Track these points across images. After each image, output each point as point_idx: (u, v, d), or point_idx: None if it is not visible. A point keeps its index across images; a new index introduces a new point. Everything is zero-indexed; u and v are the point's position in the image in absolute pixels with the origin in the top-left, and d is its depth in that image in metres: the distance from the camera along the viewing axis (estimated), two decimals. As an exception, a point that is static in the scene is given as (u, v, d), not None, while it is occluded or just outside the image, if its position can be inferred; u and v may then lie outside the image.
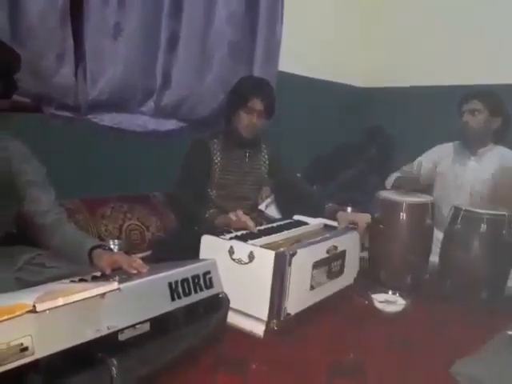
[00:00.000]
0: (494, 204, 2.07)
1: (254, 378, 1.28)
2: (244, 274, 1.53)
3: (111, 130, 2.16)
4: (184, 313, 1.26)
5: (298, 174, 2.61)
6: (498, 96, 2.28)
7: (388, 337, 1.56)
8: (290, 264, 1.50)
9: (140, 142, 2.27)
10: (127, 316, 1.10)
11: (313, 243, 1.68)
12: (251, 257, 1.52)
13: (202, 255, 1.61)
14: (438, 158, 2.45)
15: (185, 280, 1.28)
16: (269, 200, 2.41)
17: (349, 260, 1.86)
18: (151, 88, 2.29)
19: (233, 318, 1.48)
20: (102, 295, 1.05)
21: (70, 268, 1.37)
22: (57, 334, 0.96)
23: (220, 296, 1.40)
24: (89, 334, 1.01)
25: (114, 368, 1.02)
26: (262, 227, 1.88)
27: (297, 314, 1.58)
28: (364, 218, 1.98)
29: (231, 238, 1.64)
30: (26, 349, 0.89)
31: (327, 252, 1.71)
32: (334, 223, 1.99)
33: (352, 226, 1.96)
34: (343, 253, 1.81)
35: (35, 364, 0.91)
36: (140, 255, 1.79)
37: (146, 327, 1.15)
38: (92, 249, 1.42)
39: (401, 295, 1.78)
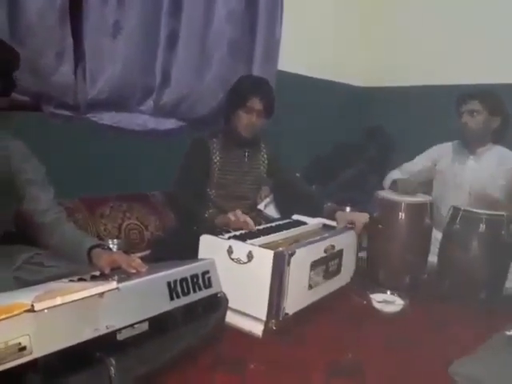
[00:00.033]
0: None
1: (253, 378, 1.28)
2: (243, 274, 1.53)
3: (110, 128, 2.15)
4: (183, 312, 1.27)
5: (297, 174, 2.61)
6: (497, 96, 2.27)
7: (386, 337, 1.56)
8: (288, 264, 1.51)
9: (139, 141, 2.27)
10: (126, 315, 1.10)
11: (311, 243, 1.69)
12: (250, 256, 1.52)
13: (200, 255, 1.61)
14: (437, 157, 2.45)
15: (183, 279, 1.28)
16: (268, 200, 2.41)
17: (346, 259, 1.86)
18: (150, 87, 2.29)
19: (231, 318, 1.49)
20: (101, 294, 1.05)
21: (68, 267, 1.37)
22: (55, 333, 0.96)
23: (219, 295, 1.40)
24: (87, 334, 1.01)
25: (112, 367, 1.02)
26: (261, 227, 1.88)
27: (295, 314, 1.58)
28: (361, 218, 1.98)
29: (230, 238, 1.64)
30: (24, 348, 0.89)
31: (325, 251, 1.71)
32: (333, 223, 1.99)
33: (350, 226, 1.96)
34: (340, 252, 1.82)
35: (33, 363, 0.91)
36: (139, 255, 1.79)
37: (145, 327, 1.15)
38: (91, 248, 1.42)
39: (399, 295, 1.78)
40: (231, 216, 1.81)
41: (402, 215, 1.98)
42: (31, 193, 1.49)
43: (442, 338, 1.56)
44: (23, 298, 0.97)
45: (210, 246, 1.61)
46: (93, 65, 2.02)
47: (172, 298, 1.24)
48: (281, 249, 1.55)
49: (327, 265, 1.74)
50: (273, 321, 1.51)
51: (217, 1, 2.45)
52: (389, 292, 1.81)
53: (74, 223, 1.67)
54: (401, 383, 1.30)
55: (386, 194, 2.12)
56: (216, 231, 1.70)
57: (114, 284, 1.09)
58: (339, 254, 1.82)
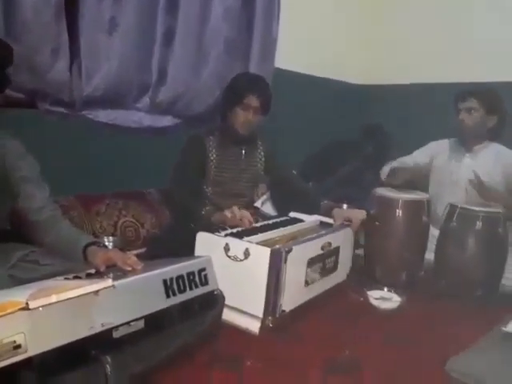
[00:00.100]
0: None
1: (250, 375, 1.28)
2: (239, 271, 1.52)
3: (106, 126, 2.14)
4: (179, 310, 1.26)
5: (294, 171, 2.61)
6: (494, 94, 2.27)
7: (383, 333, 1.56)
8: (285, 261, 1.50)
9: (135, 138, 2.26)
10: (122, 313, 1.10)
11: (308, 240, 1.68)
12: (247, 254, 1.52)
13: (197, 252, 1.61)
14: (434, 153, 2.45)
15: (180, 277, 1.28)
16: (264, 197, 2.41)
17: (342, 256, 1.86)
18: (147, 84, 2.28)
19: (228, 315, 1.48)
20: (96, 292, 1.04)
21: (64, 265, 1.37)
22: (50, 331, 0.95)
23: (215, 293, 1.39)
24: (83, 332, 1.00)
25: (108, 365, 1.02)
26: (258, 224, 1.88)
27: (292, 311, 1.58)
28: (358, 215, 1.98)
29: (227, 235, 1.63)
30: (18, 346, 0.88)
31: (322, 249, 1.71)
32: (330, 220, 1.99)
33: (347, 223, 1.96)
34: (337, 249, 1.82)
35: (28, 362, 0.90)
36: (135, 252, 1.78)
37: (141, 324, 1.14)
38: (86, 246, 1.42)
39: (396, 292, 1.78)
40: (228, 213, 1.80)
41: (399, 212, 1.98)
42: (26, 190, 1.48)
43: (438, 335, 1.56)
44: (18, 295, 0.96)
45: (207, 244, 1.61)
46: (88, 61, 2.01)
47: (168, 296, 1.23)
48: (277, 246, 1.55)
49: (324, 262, 1.74)
50: (269, 318, 1.51)
51: (213, -2, 2.45)
52: (386, 289, 1.81)
53: (70, 221, 1.66)
54: (398, 380, 1.30)
55: (383, 191, 2.11)
56: (213, 228, 1.69)
57: (109, 282, 1.08)
58: (336, 251, 1.82)
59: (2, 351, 0.86)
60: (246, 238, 1.60)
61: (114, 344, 1.06)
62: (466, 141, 2.34)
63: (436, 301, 1.83)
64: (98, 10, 2.00)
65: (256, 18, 2.65)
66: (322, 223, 2.00)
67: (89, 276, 1.29)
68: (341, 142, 3.30)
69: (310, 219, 1.99)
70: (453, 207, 1.95)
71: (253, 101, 2.01)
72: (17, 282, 1.29)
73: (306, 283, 1.65)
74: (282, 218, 2.01)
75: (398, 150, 2.84)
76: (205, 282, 1.36)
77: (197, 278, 1.33)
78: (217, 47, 2.52)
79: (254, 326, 1.50)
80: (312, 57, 3.15)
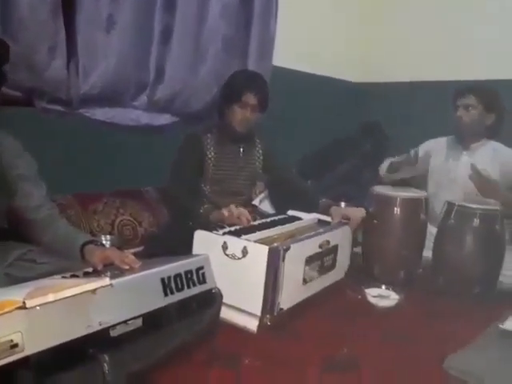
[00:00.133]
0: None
1: (248, 373, 1.28)
2: (237, 270, 1.52)
3: (103, 124, 2.13)
4: (177, 308, 1.26)
5: (293, 169, 2.60)
6: (493, 92, 2.27)
7: (381, 331, 1.56)
8: (283, 259, 1.50)
9: (133, 136, 2.25)
10: (119, 312, 1.10)
11: (306, 238, 1.68)
12: (245, 252, 1.52)
13: (195, 250, 1.61)
14: (431, 151, 2.45)
15: (177, 275, 1.28)
16: (263, 195, 2.41)
17: (341, 254, 1.86)
18: (144, 82, 2.27)
19: (226, 314, 1.48)
20: (94, 291, 1.04)
21: (61, 264, 1.36)
22: (47, 330, 0.95)
23: (213, 291, 1.39)
24: (80, 330, 1.00)
25: (105, 364, 1.02)
26: (256, 222, 1.88)
27: (290, 309, 1.58)
28: (356, 213, 1.97)
29: (224, 233, 1.63)
30: (16, 345, 0.88)
31: (320, 247, 1.71)
32: (328, 218, 1.99)
33: (345, 221, 1.96)
34: (335, 247, 1.82)
35: (25, 361, 0.90)
36: (132, 251, 1.77)
37: (139, 323, 1.14)
38: (84, 244, 1.41)
39: (394, 290, 1.79)
40: (225, 212, 1.80)
41: (397, 210, 1.99)
42: (23, 189, 1.47)
43: (436, 332, 1.56)
44: (15, 294, 0.96)
45: (205, 242, 1.61)
46: (86, 59, 2.00)
47: (166, 294, 1.23)
48: (276, 244, 1.54)
49: (322, 260, 1.74)
50: (267, 316, 1.51)
51: (211, -5, 2.44)
52: (384, 287, 1.81)
53: (67, 219, 1.66)
54: (396, 377, 1.30)
55: (381, 189, 2.12)
56: (210, 227, 1.69)
57: (107, 280, 1.08)
58: (334, 250, 1.82)
59: (-1, 350, 0.86)
60: (243, 236, 1.60)
61: (111, 343, 1.06)
62: (464, 138, 2.34)
63: (434, 298, 1.84)
64: (96, 8, 1.99)
65: (254, 15, 2.64)
66: (320, 221, 2.00)
67: (86, 275, 1.28)
68: (339, 140, 3.30)
69: (308, 217, 1.99)
70: (450, 205, 1.95)
71: (250, 98, 2.01)
72: (14, 280, 1.28)
73: (304, 281, 1.65)
74: (280, 216, 2.01)
75: (396, 148, 2.85)
76: (203, 281, 1.36)
77: (195, 277, 1.33)
78: (215, 45, 2.51)
79: (252, 325, 1.50)
80: (310, 55, 3.15)
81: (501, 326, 1.44)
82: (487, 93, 2.25)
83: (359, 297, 1.78)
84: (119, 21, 2.08)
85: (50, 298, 0.96)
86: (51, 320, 0.96)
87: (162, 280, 1.23)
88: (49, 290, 0.99)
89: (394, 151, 2.79)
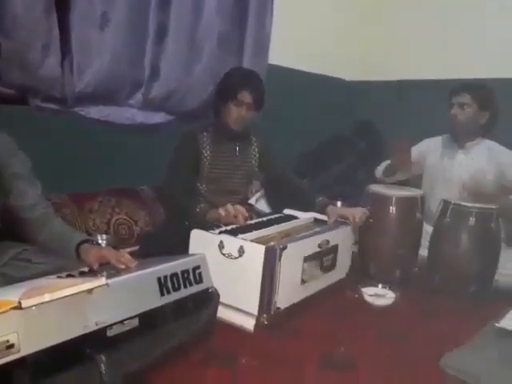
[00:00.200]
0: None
1: (245, 373, 1.28)
2: (234, 269, 1.52)
3: (98, 122, 2.12)
4: (173, 308, 1.25)
5: (288, 168, 2.60)
6: (488, 90, 2.28)
7: (378, 330, 1.56)
8: (280, 258, 1.50)
9: (128, 135, 2.24)
10: (116, 311, 1.09)
11: (304, 237, 1.68)
12: (241, 251, 1.51)
13: (191, 250, 1.60)
14: (426, 150, 2.45)
15: (174, 275, 1.27)
16: (259, 194, 2.40)
17: (341, 254, 1.86)
18: (139, 80, 2.26)
19: (223, 313, 1.48)
20: (90, 291, 1.04)
21: (56, 263, 1.35)
22: (44, 330, 0.94)
23: (210, 291, 1.39)
24: (76, 330, 0.99)
25: (102, 364, 1.01)
26: (253, 221, 1.88)
27: (287, 308, 1.58)
28: (355, 213, 1.96)
29: (221, 233, 1.63)
30: (11, 346, 0.88)
31: (319, 246, 1.70)
32: (324, 217, 1.99)
33: (341, 220, 1.96)
34: (335, 247, 1.81)
35: (22, 361, 0.89)
36: (128, 250, 1.77)
37: (135, 323, 1.14)
38: (79, 243, 1.41)
39: (390, 289, 1.79)
40: (221, 211, 1.79)
41: (392, 209, 1.99)
42: (18, 187, 1.46)
43: (433, 331, 1.57)
44: (10, 294, 0.95)
45: (201, 241, 1.60)
46: (80, 57, 1.98)
47: (162, 294, 1.23)
48: (272, 243, 1.54)
49: (321, 260, 1.74)
50: (264, 315, 1.51)
51: (206, -7, 2.42)
52: (380, 285, 1.82)
53: (62, 218, 1.65)
54: (393, 376, 1.30)
55: (376, 188, 2.12)
56: (207, 226, 1.68)
57: (103, 280, 1.07)
58: (334, 250, 1.81)
59: (-6, 351, 0.85)
60: (240, 236, 1.59)
61: (108, 342, 1.06)
62: (459, 137, 2.35)
63: (430, 297, 1.85)
64: (89, 5, 1.97)
65: (249, 12, 2.63)
66: (316, 220, 2.00)
67: (82, 274, 1.28)
68: (336, 138, 3.30)
69: (305, 216, 1.99)
70: (446, 203, 1.96)
71: (246, 96, 2.00)
72: (9, 280, 1.26)
73: (303, 281, 1.64)
74: (276, 215, 2.01)
75: (390, 147, 2.85)
76: (199, 280, 1.35)
77: (191, 276, 1.33)
78: (210, 42, 2.50)
79: (249, 324, 1.50)
80: (303, 52, 3.14)
81: (497, 324, 1.44)
82: (482, 91, 2.26)
83: (356, 296, 1.78)
84: (113, 18, 2.06)
85: (46, 298, 0.95)
86: (47, 320, 0.95)
87: (159, 279, 1.23)
88: (45, 289, 0.98)
89: (389, 150, 2.80)
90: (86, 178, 2.14)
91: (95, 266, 1.32)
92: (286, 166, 2.37)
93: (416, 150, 2.48)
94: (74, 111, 2.03)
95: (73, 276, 1.24)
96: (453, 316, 1.69)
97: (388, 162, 2.45)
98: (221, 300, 1.42)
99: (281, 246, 1.51)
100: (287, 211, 2.05)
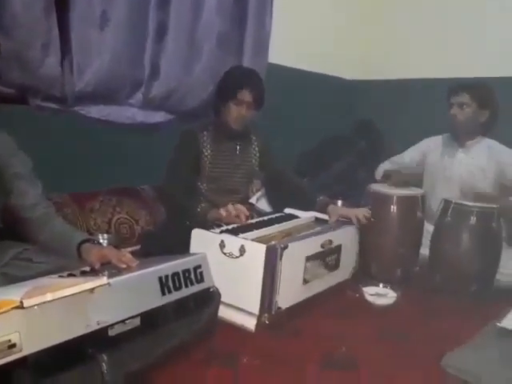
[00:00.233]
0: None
1: (246, 372, 1.28)
2: (235, 268, 1.52)
3: (99, 122, 2.12)
4: (175, 307, 1.25)
5: (289, 167, 2.60)
6: (487, 89, 2.27)
7: (379, 329, 1.56)
8: (281, 258, 1.50)
9: (128, 134, 2.24)
10: (117, 311, 1.09)
11: (306, 237, 1.68)
12: (242, 250, 1.51)
13: (192, 249, 1.60)
14: (426, 150, 2.45)
15: (175, 274, 1.27)
16: (259, 193, 2.40)
17: (345, 255, 1.85)
18: (139, 79, 2.25)
19: (224, 312, 1.48)
20: (91, 290, 1.04)
21: (58, 263, 1.35)
22: (45, 329, 0.94)
23: (211, 290, 1.39)
24: (78, 330, 0.99)
25: (104, 364, 1.01)
26: (253, 221, 1.88)
27: (288, 308, 1.58)
28: (358, 213, 1.95)
29: (222, 232, 1.63)
30: (13, 345, 0.88)
31: (322, 246, 1.70)
32: (325, 217, 1.99)
33: (344, 220, 1.95)
34: (339, 247, 1.81)
35: (23, 361, 0.89)
36: (129, 249, 1.77)
37: (137, 322, 1.14)
38: (81, 243, 1.40)
39: (391, 288, 1.79)
40: (222, 212, 1.80)
41: (393, 208, 1.99)
42: (19, 187, 1.46)
43: (434, 331, 1.57)
44: (12, 294, 0.95)
45: (202, 241, 1.60)
46: (80, 57, 1.98)
47: (164, 293, 1.22)
48: (273, 243, 1.54)
49: (324, 260, 1.73)
50: (265, 315, 1.51)
51: (205, -9, 2.42)
52: (381, 285, 1.81)
53: (64, 218, 1.65)
54: (394, 375, 1.30)
55: (377, 187, 2.12)
56: (208, 225, 1.68)
57: (104, 279, 1.07)
58: (337, 250, 1.80)
59: (-4, 351, 0.85)
60: (241, 235, 1.59)
61: (109, 342, 1.06)
62: (459, 136, 2.34)
63: (431, 296, 1.85)
64: (89, 5, 1.97)
65: (249, 11, 2.63)
66: (317, 219, 2.00)
67: (83, 274, 1.28)
68: (336, 137, 3.30)
69: (306, 215, 1.99)
70: (447, 202, 1.95)
71: (246, 95, 2.00)
72: (10, 280, 1.26)
73: (305, 281, 1.64)
74: (277, 215, 2.01)
75: (393, 147, 2.86)
76: (200, 280, 1.35)
77: (192, 276, 1.33)
78: (209, 42, 2.50)
79: (250, 323, 1.50)
80: (303, 51, 3.13)
81: (498, 324, 1.44)
82: (481, 90, 2.25)
83: (357, 295, 1.78)
84: (113, 18, 2.06)
85: (48, 297, 0.95)
86: (49, 320, 0.95)
87: (160, 279, 1.23)
88: (46, 289, 0.98)
89: (390, 149, 2.80)
90: (86, 178, 2.13)
91: (97, 266, 1.32)
92: (287, 166, 2.38)
93: (417, 150, 2.48)
94: (74, 110, 2.03)
95: (74, 275, 1.25)
96: (454, 315, 1.69)
97: (385, 163, 2.46)
98: (222, 299, 1.42)
99: (282, 246, 1.51)
100: (288, 210, 2.05)
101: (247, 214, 1.79)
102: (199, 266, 1.36)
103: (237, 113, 2.01)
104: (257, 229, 1.71)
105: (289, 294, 1.57)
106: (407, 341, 1.49)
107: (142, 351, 1.13)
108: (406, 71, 3.34)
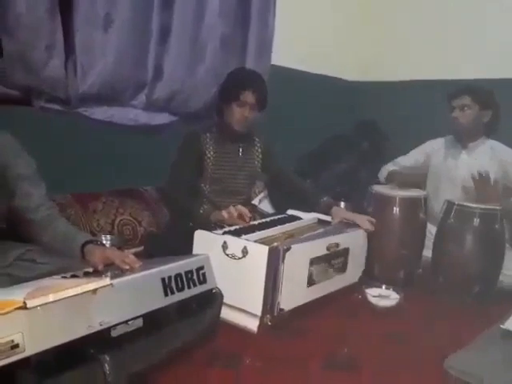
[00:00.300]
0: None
1: (248, 373, 1.28)
2: (237, 269, 1.52)
3: (102, 123, 2.12)
4: (177, 308, 1.26)
5: (291, 168, 2.60)
6: (487, 90, 2.27)
7: (381, 331, 1.56)
8: (283, 259, 1.50)
9: (132, 135, 2.24)
10: (120, 312, 1.09)
11: (310, 239, 1.67)
12: (245, 252, 1.51)
13: (195, 250, 1.60)
14: (430, 151, 2.45)
15: (178, 275, 1.27)
16: (262, 195, 2.40)
17: (353, 258, 1.84)
18: (143, 81, 2.26)
19: (226, 314, 1.48)
20: (94, 291, 1.04)
21: (61, 264, 1.35)
22: (48, 330, 0.94)
23: (213, 291, 1.39)
24: (81, 331, 0.99)
25: (106, 364, 1.01)
26: (256, 222, 1.88)
27: (291, 310, 1.57)
28: (363, 221, 1.93)
29: (224, 233, 1.63)
30: (16, 346, 0.88)
31: (327, 249, 1.69)
32: (328, 218, 1.98)
33: (346, 221, 1.95)
34: (346, 251, 1.80)
35: (26, 361, 0.90)
36: (132, 250, 1.77)
37: (139, 323, 1.14)
38: (84, 244, 1.41)
39: (394, 290, 1.79)
40: (225, 214, 1.80)
41: (396, 210, 1.99)
42: (23, 188, 1.46)
43: (437, 332, 1.56)
44: (15, 295, 0.95)
45: (205, 242, 1.60)
46: (84, 58, 1.98)
47: (166, 294, 1.23)
48: (276, 244, 1.54)
49: (330, 263, 1.72)
50: (268, 316, 1.51)
51: (209, -7, 2.43)
52: (384, 286, 1.81)
53: (67, 219, 1.65)
54: (396, 377, 1.30)
55: (380, 188, 2.12)
56: (211, 226, 1.68)
57: (107, 280, 1.07)
58: (344, 253, 1.80)
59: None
60: (243, 236, 1.59)
61: (112, 343, 1.06)
62: (461, 138, 2.34)
63: (434, 298, 1.84)
64: (93, 6, 1.98)
65: (252, 13, 2.63)
66: (320, 221, 1.99)
67: (86, 275, 1.28)
68: (338, 138, 3.29)
69: (308, 217, 1.99)
70: (450, 204, 1.95)
71: (249, 97, 2.00)
72: (14, 280, 1.27)
73: (309, 283, 1.64)
74: (279, 216, 2.01)
75: (394, 148, 2.85)
76: (203, 281, 1.35)
77: (195, 277, 1.33)
78: (213, 43, 2.50)
79: (253, 325, 1.50)
80: (306, 52, 3.13)
81: (502, 326, 1.44)
82: (482, 92, 2.25)
83: (360, 297, 1.78)
84: (117, 19, 2.06)
85: (51, 298, 0.96)
86: (52, 320, 0.95)
87: (163, 280, 1.23)
88: (49, 290, 0.99)
89: (392, 150, 2.80)
90: (89, 179, 2.14)
91: (100, 267, 1.32)
92: (289, 167, 2.38)
93: (421, 152, 2.48)
94: (77, 112, 2.04)
95: (77, 276, 1.25)
96: (457, 317, 1.69)
97: (389, 164, 2.45)
98: (224, 301, 1.42)
99: (285, 247, 1.51)
100: (290, 212, 2.05)
101: (249, 215, 1.79)
102: (202, 267, 1.36)
103: (239, 114, 2.02)
104: (259, 230, 1.71)
105: (292, 296, 1.57)
106: (410, 342, 1.49)
107: (145, 352, 1.14)
108: (406, 72, 3.34)
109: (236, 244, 1.54)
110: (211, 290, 1.38)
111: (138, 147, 2.27)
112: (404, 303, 1.73)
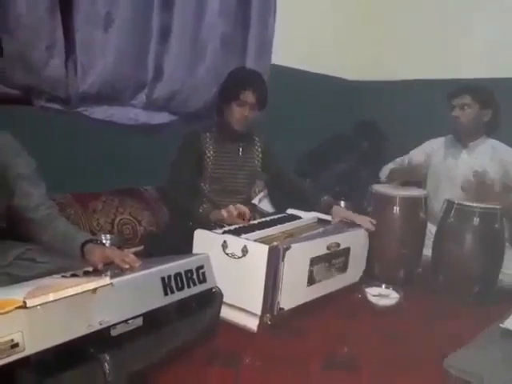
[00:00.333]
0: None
1: (248, 372, 1.28)
2: (237, 269, 1.52)
3: (102, 123, 2.12)
4: (177, 307, 1.26)
5: (291, 168, 2.60)
6: (487, 89, 2.27)
7: (381, 330, 1.56)
8: (283, 259, 1.50)
9: (132, 135, 2.24)
10: (120, 311, 1.09)
11: (310, 238, 1.67)
12: (245, 251, 1.51)
13: (195, 249, 1.60)
14: (430, 151, 2.45)
15: (178, 274, 1.27)
16: (262, 194, 2.40)
17: (354, 258, 1.84)
18: (143, 80, 2.26)
19: (226, 313, 1.48)
20: (94, 290, 1.04)
21: (61, 263, 1.36)
22: (48, 329, 0.94)
23: (213, 290, 1.39)
24: (81, 330, 0.99)
25: (106, 364, 1.01)
26: (256, 221, 1.88)
27: (291, 309, 1.58)
28: (364, 222, 1.93)
29: (224, 232, 1.63)
30: (16, 345, 0.88)
31: (328, 248, 1.69)
32: (328, 217, 1.99)
33: (346, 221, 1.95)
34: (347, 250, 1.80)
35: (26, 360, 0.90)
36: (132, 250, 1.77)
37: (139, 322, 1.14)
38: (84, 243, 1.41)
39: (394, 289, 1.79)
40: (224, 213, 1.80)
41: (396, 209, 1.99)
42: (22, 188, 1.46)
43: (436, 331, 1.56)
44: (15, 294, 0.95)
45: (205, 241, 1.60)
46: (84, 58, 1.98)
47: (166, 294, 1.23)
48: (275, 243, 1.54)
49: (330, 262, 1.72)
50: (267, 315, 1.51)
51: (209, -7, 2.43)
52: (384, 286, 1.81)
53: (67, 218, 1.65)
54: (396, 376, 1.30)
55: (380, 187, 2.12)
56: (210, 226, 1.68)
57: (107, 279, 1.07)
58: (345, 252, 1.80)
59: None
60: (243, 236, 1.59)
61: (112, 342, 1.06)
62: (462, 137, 2.34)
63: (434, 297, 1.84)
64: (93, 6, 1.98)
65: (252, 13, 2.63)
66: (319, 220, 1.99)
67: (86, 274, 1.28)
68: (338, 138, 3.29)
69: (308, 216, 1.99)
70: (450, 203, 1.95)
71: (249, 97, 2.00)
72: (14, 279, 1.27)
73: (310, 282, 1.64)
74: (279, 215, 2.01)
75: (395, 147, 2.85)
76: (203, 280, 1.35)
77: (195, 276, 1.33)
78: (213, 43, 2.50)
79: (252, 324, 1.50)
80: (306, 52, 3.14)
81: (501, 325, 1.44)
82: (482, 91, 2.25)
83: (359, 296, 1.78)
84: (117, 19, 2.06)
85: (51, 297, 0.95)
86: (52, 319, 0.95)
87: (163, 279, 1.23)
88: (49, 289, 0.99)
89: (392, 150, 2.80)
90: (89, 178, 2.14)
91: (99, 266, 1.32)
92: (289, 167, 2.38)
93: (421, 151, 2.48)
94: (77, 111, 2.04)
95: (77, 275, 1.25)
96: (457, 316, 1.69)
97: (390, 164, 2.46)
98: (224, 300, 1.42)
99: (284, 246, 1.51)
100: (290, 211, 2.05)
101: (249, 214, 1.79)
102: (202, 267, 1.36)
103: (239, 114, 2.02)
104: (259, 229, 1.71)
105: (292, 295, 1.57)
106: (409, 341, 1.49)
107: (145, 351, 1.14)
108: (406, 72, 3.34)
109: (236, 243, 1.54)
110: (211, 289, 1.38)
111: (137, 147, 2.28)
112: (404, 302, 1.73)
